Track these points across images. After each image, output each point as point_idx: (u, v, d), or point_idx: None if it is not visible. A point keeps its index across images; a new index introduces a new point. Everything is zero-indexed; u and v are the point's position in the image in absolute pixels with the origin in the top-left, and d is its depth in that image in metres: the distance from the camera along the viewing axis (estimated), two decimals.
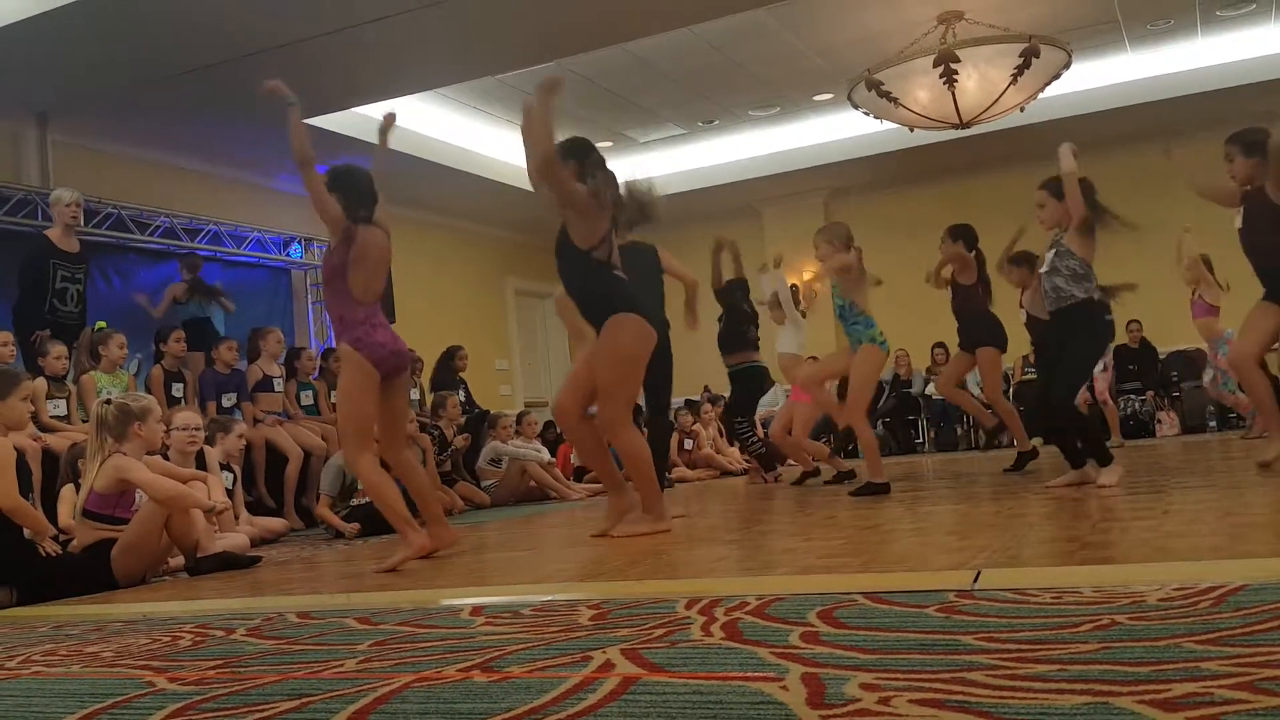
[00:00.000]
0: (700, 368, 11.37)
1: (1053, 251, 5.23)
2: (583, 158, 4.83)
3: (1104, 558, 2.82)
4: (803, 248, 14.20)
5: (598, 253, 4.74)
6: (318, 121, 9.84)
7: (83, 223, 8.06)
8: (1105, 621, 1.99)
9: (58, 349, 7.09)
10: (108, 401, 5.07)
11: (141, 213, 9.74)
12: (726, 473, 10.60)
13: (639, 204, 4.90)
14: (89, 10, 7.27)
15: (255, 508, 7.55)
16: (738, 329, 8.41)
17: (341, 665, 2.26)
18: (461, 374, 10.64)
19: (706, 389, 12.54)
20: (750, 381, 8.63)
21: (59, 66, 8.15)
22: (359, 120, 10.26)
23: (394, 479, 4.66)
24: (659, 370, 6.05)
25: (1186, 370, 11.86)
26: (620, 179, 4.91)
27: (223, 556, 5.17)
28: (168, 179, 10.23)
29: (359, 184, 4.65)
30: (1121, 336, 12.25)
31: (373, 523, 6.77)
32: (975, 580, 2.59)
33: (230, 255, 10.62)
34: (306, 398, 8.91)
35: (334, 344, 4.56)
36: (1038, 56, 8.91)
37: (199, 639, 2.89)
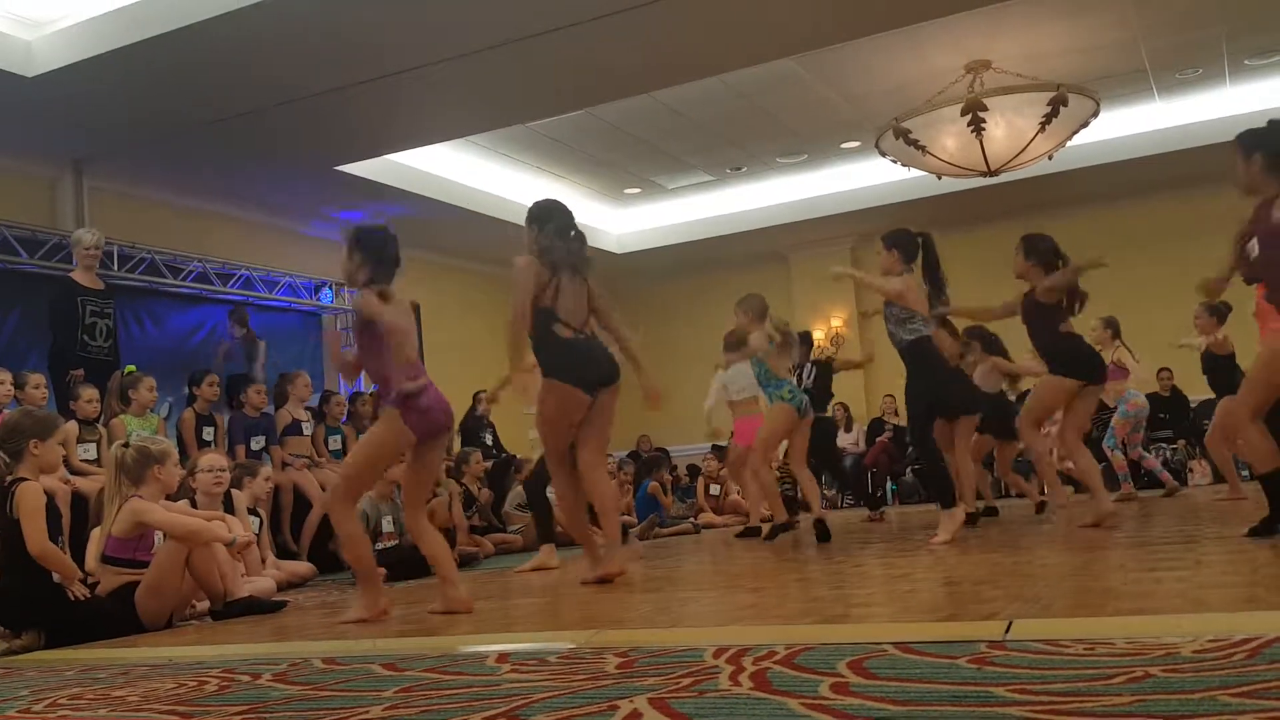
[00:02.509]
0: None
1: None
2: (543, 223, 5.22)
3: (1137, 609, 2.78)
4: (830, 294, 14.28)
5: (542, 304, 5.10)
6: (351, 169, 9.97)
7: (102, 264, 8.22)
8: (1139, 674, 1.97)
9: (89, 392, 7.15)
10: (125, 445, 5.08)
11: (175, 258, 9.86)
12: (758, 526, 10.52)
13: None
14: (125, 59, 7.41)
15: (281, 552, 7.56)
16: (826, 384, 8.89)
17: (367, 712, 2.25)
18: (487, 417, 10.68)
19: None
20: (828, 430, 9.21)
21: (95, 114, 8.29)
22: (392, 167, 10.38)
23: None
24: None
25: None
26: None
27: (248, 601, 5.17)
28: (201, 224, 10.36)
29: (386, 250, 4.46)
30: (1152, 385, 12.16)
31: (399, 567, 6.76)
32: (1007, 631, 2.56)
33: (262, 300, 10.73)
34: (335, 442, 8.95)
35: (379, 398, 4.46)
36: (1066, 105, 8.93)
37: (225, 684, 2.89)
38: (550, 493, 6.32)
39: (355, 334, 4.47)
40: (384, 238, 4.48)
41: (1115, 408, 9.46)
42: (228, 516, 5.83)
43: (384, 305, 4.32)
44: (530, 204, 5.36)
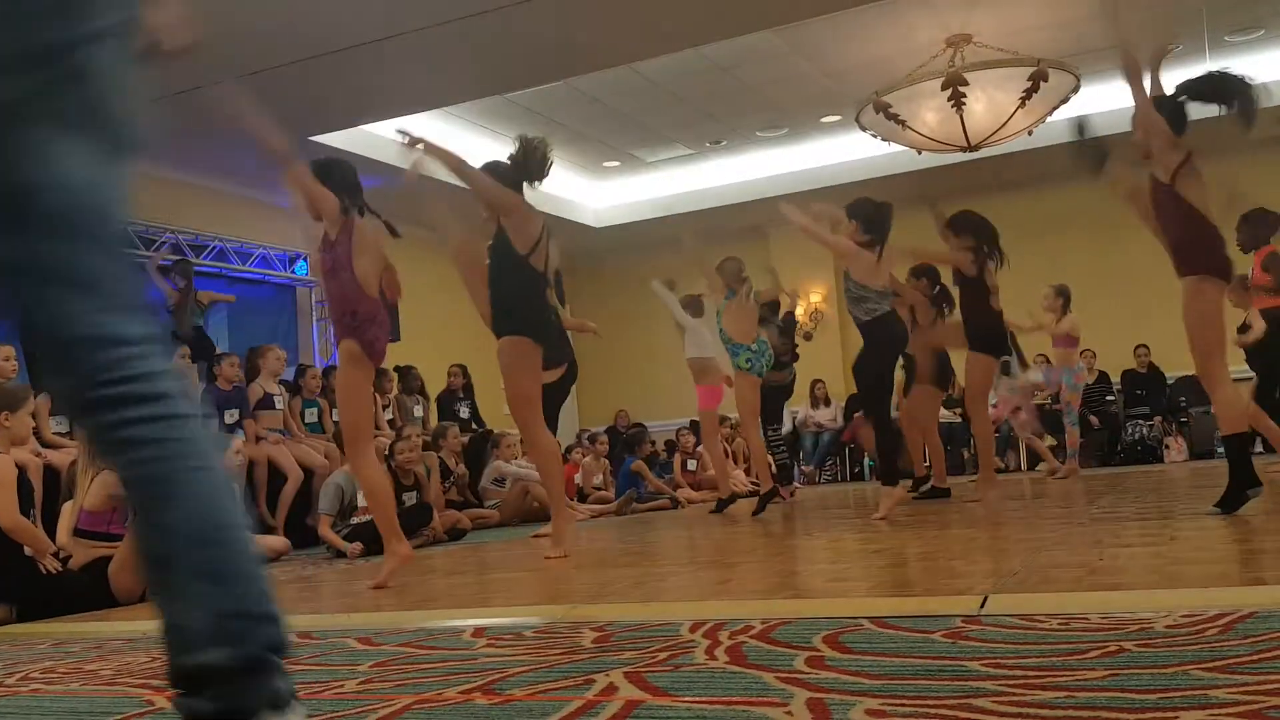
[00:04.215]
0: None
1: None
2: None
3: (1112, 584, 2.80)
4: (810, 269, 14.28)
5: (534, 258, 5.14)
6: (326, 139, 9.87)
7: None
8: (1113, 648, 1.98)
9: None
10: None
11: (147, 228, 9.76)
12: (731, 495, 10.53)
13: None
14: None
15: (257, 526, 7.53)
16: (790, 344, 8.92)
17: (342, 686, 2.24)
18: (461, 389, 10.66)
19: None
20: (782, 395, 9.30)
21: None
22: (367, 138, 10.29)
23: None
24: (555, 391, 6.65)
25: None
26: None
27: None
28: (173, 195, 10.24)
29: (348, 175, 4.64)
30: (1129, 361, 12.23)
31: (375, 541, 6.74)
32: (982, 605, 2.57)
33: (235, 271, 10.65)
34: (311, 415, 8.90)
35: (335, 338, 4.52)
36: (1046, 80, 8.92)
37: None
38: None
39: (324, 264, 4.55)
40: (340, 165, 4.64)
41: (1060, 380, 9.44)
42: None
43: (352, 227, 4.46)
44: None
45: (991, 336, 6.71)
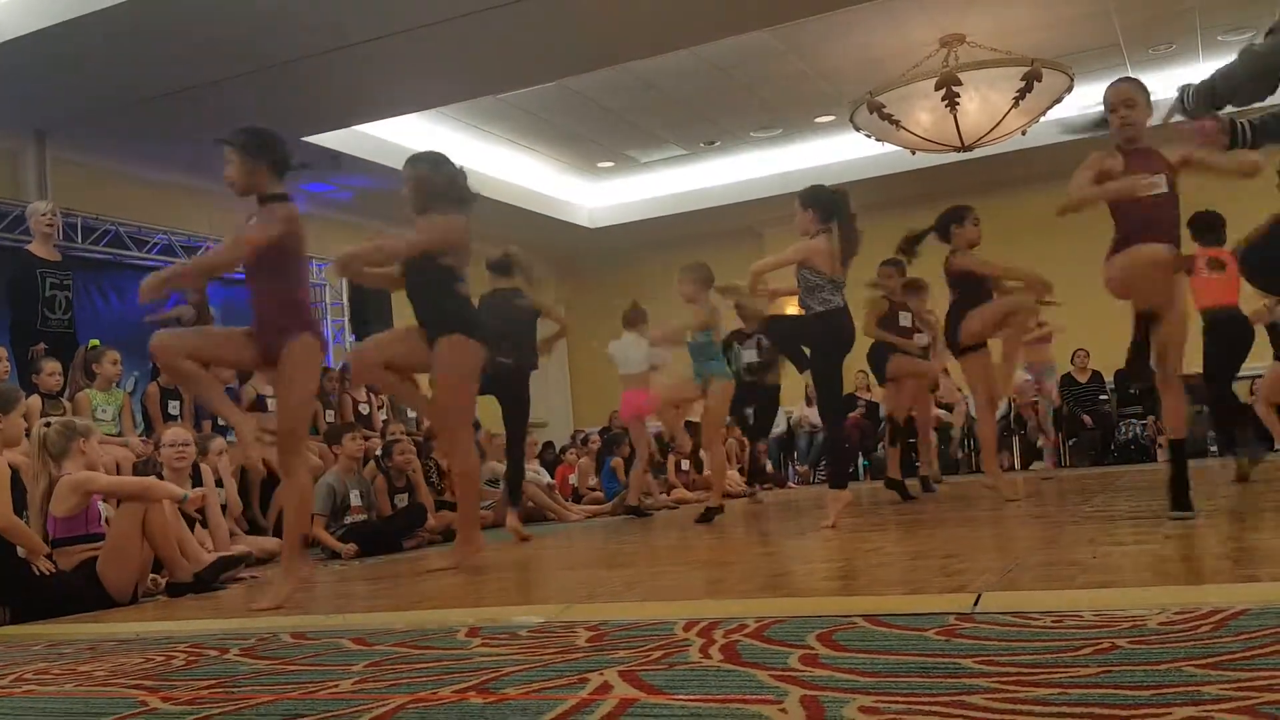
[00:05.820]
0: None
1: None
2: (455, 174, 5.08)
3: (1104, 581, 2.80)
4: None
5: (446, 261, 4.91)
6: (316, 139, 9.87)
7: (65, 236, 8.17)
8: (1105, 645, 1.98)
9: (51, 365, 7.05)
10: (48, 423, 4.99)
11: (139, 230, 9.76)
12: (725, 495, 10.52)
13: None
14: (89, 28, 7.29)
15: (251, 527, 7.51)
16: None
17: (336, 686, 2.24)
18: None
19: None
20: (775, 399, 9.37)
21: (58, 84, 8.16)
22: (360, 139, 10.29)
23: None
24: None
25: (1189, 396, 11.81)
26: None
27: (226, 560, 5.16)
28: (166, 196, 10.24)
29: (285, 151, 4.20)
30: (1122, 361, 12.23)
31: (369, 543, 6.74)
32: (975, 603, 2.57)
33: (229, 272, 10.61)
34: None
35: (286, 330, 4.02)
36: (1039, 80, 8.94)
37: (192, 659, 2.87)
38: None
39: (263, 254, 4.07)
40: (277, 140, 4.20)
41: (1041, 381, 9.49)
42: (172, 487, 5.75)
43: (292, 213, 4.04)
44: (427, 152, 5.16)
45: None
